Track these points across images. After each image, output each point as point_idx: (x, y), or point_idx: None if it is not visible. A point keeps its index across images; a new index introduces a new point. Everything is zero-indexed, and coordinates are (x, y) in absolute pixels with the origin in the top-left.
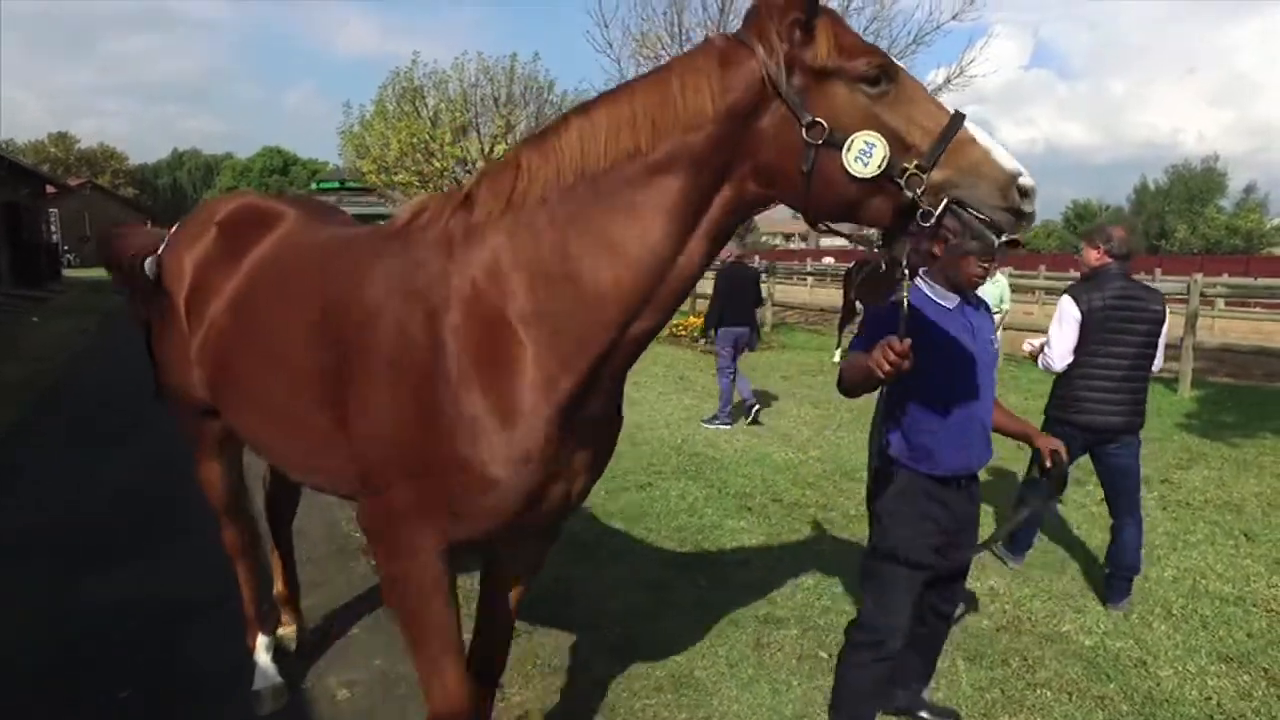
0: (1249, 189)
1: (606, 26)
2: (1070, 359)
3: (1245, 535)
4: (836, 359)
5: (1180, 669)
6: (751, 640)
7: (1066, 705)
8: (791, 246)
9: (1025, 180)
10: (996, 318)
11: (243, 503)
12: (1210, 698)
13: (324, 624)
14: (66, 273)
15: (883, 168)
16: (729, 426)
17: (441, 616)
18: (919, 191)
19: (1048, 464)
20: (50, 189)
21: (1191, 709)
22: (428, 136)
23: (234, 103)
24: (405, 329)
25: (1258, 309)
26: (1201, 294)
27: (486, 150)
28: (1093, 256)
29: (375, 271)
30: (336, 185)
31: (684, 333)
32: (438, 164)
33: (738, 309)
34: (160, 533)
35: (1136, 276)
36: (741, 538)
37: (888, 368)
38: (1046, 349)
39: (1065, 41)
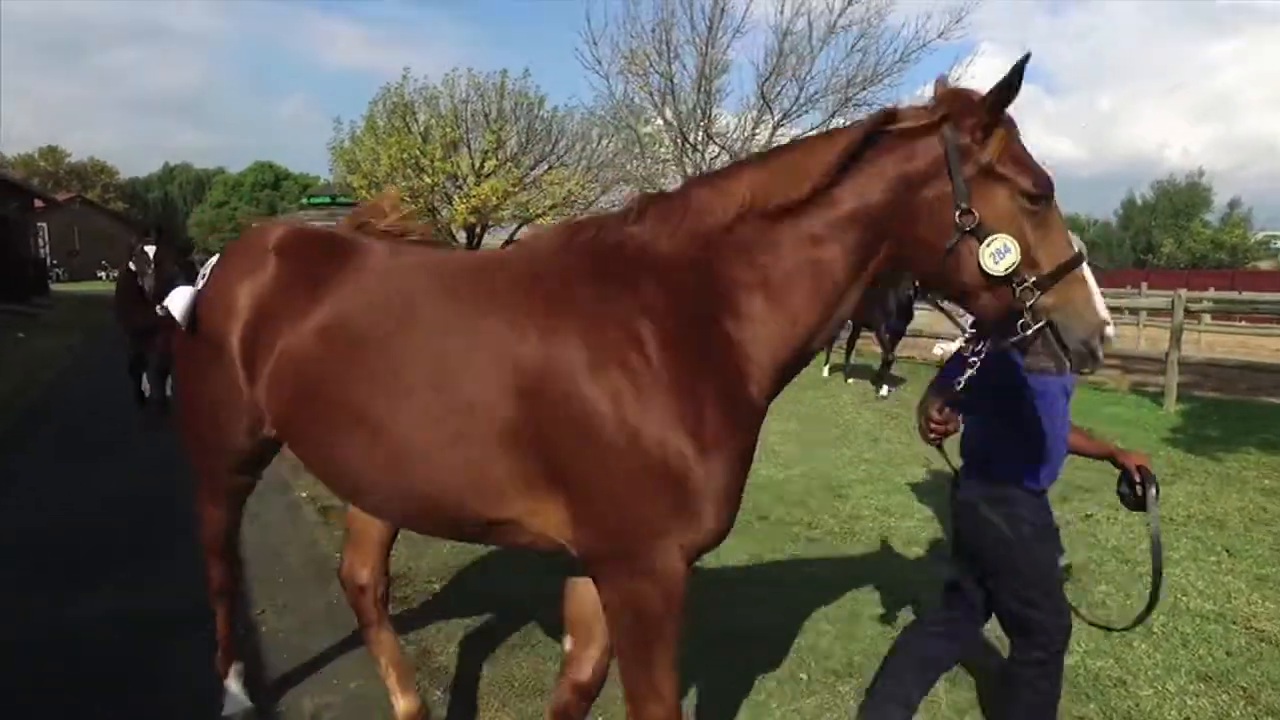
0: (1233, 204)
1: (595, 44)
2: None
3: (1227, 551)
4: (825, 374)
5: (1160, 688)
6: (730, 660)
7: None
8: None
9: (1110, 330)
10: None
11: (234, 543)
12: (1189, 718)
13: (299, 646)
14: (55, 287)
15: (1008, 271)
16: None
17: (675, 635)
18: (1027, 304)
19: (1137, 479)
20: (39, 203)
21: None
22: (418, 152)
23: (225, 116)
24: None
25: (1243, 323)
26: (1186, 308)
27: (477, 165)
28: None
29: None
30: (327, 200)
31: None
32: (428, 179)
33: None
34: (159, 535)
35: (1125, 290)
36: (724, 556)
37: (932, 436)
38: None
39: (1052, 59)
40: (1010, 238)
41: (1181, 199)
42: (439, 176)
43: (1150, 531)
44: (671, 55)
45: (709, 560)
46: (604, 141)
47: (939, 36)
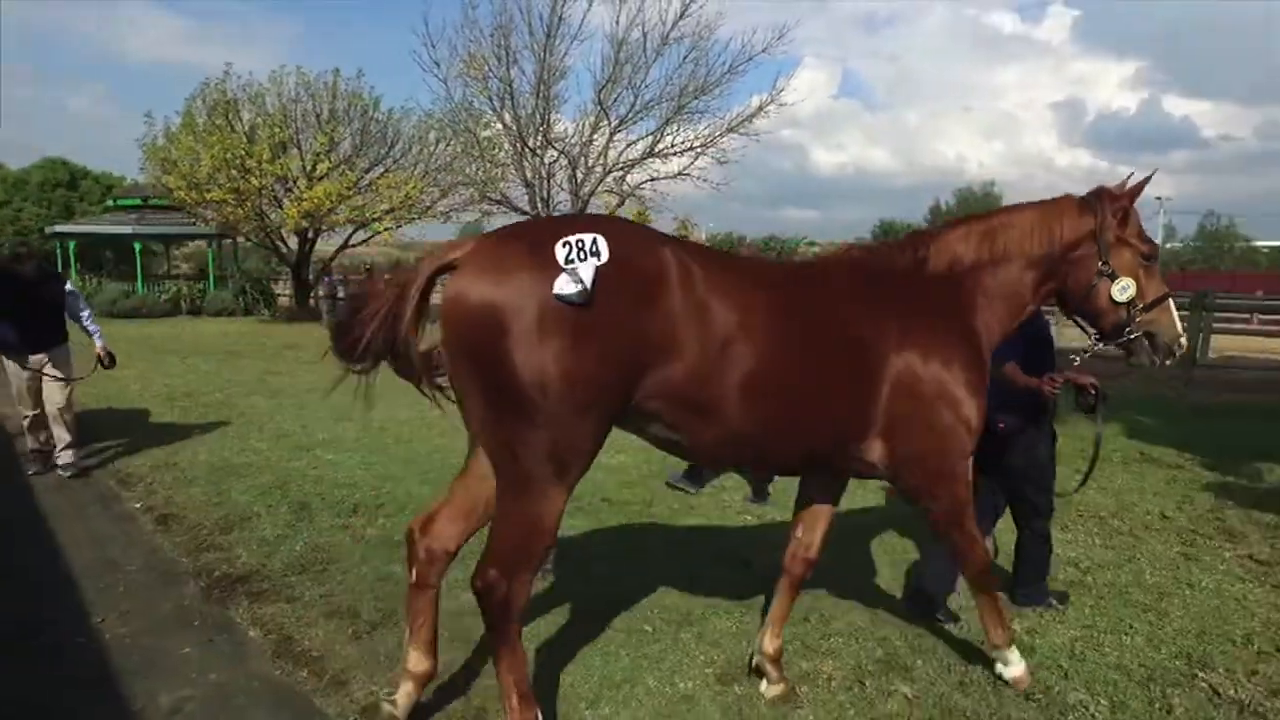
0: None
1: (434, 46)
2: None
3: None
4: None
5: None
6: (582, 620)
7: (854, 647)
8: None
9: (1183, 340)
10: None
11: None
12: (967, 629)
13: (151, 647)
14: None
15: (1126, 300)
16: None
17: (971, 507)
18: (1134, 321)
19: (1093, 392)
20: None
21: (949, 638)
22: (244, 152)
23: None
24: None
25: None
26: None
27: (309, 168)
28: None
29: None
30: (138, 202)
31: None
32: (255, 181)
33: None
34: None
35: None
36: (571, 535)
37: (1053, 390)
38: None
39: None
40: (1131, 280)
41: (979, 206)
42: (267, 178)
43: (1097, 427)
44: (510, 60)
45: (561, 540)
46: (441, 145)
47: (763, 51)
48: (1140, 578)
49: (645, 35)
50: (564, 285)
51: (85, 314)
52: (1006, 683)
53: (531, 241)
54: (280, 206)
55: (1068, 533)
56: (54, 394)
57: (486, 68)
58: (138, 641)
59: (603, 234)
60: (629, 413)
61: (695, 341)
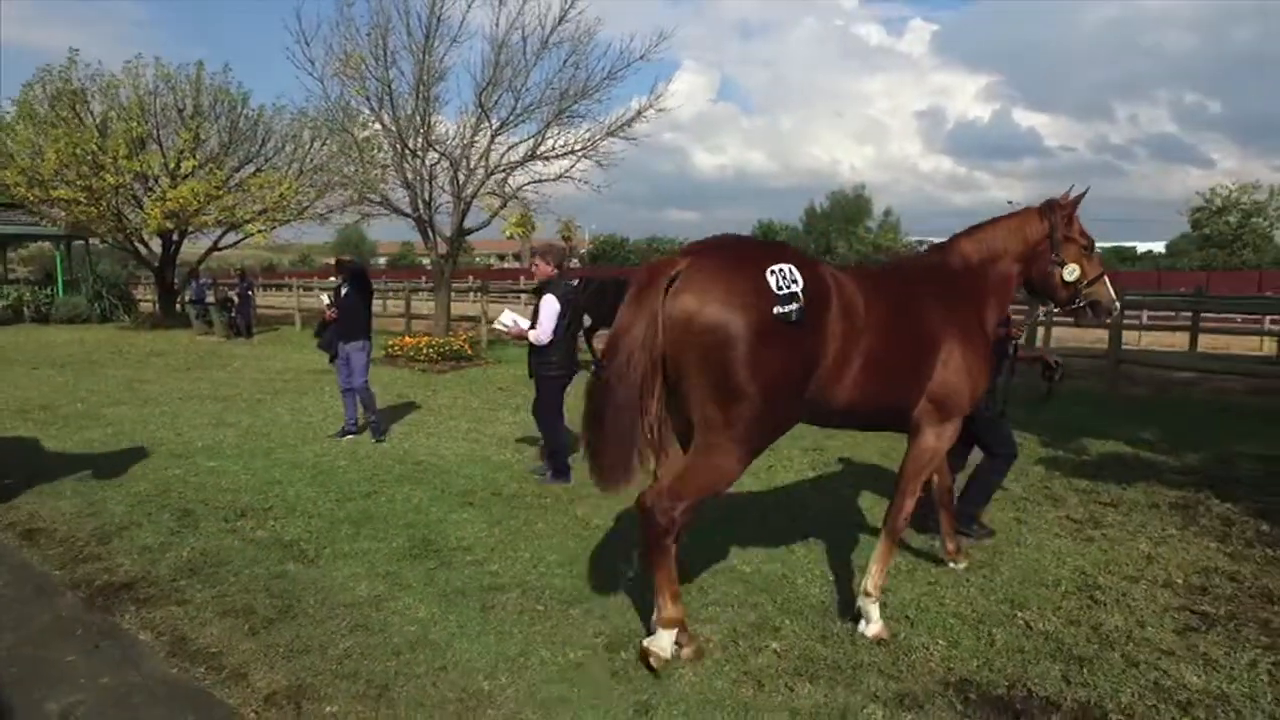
0: (887, 213)
1: (308, 44)
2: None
3: (865, 484)
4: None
5: (810, 576)
6: (478, 605)
7: (730, 613)
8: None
9: (1117, 304)
10: None
11: None
12: (828, 592)
13: (32, 658)
14: None
15: (1074, 280)
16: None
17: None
18: (1081, 294)
19: (1054, 362)
20: None
21: (813, 601)
22: (95, 147)
23: None
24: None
25: None
26: None
27: (171, 165)
28: (547, 270)
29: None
30: None
31: (399, 353)
32: (111, 179)
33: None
34: None
35: None
36: (465, 528)
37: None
38: (538, 329)
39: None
40: (1077, 266)
41: (850, 208)
42: (124, 176)
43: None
44: (389, 60)
45: (454, 533)
46: (317, 144)
47: (641, 58)
48: (979, 541)
49: (525, 39)
50: (782, 308)
51: None
52: (865, 637)
53: (748, 270)
54: (140, 206)
55: None
56: None
57: (364, 67)
58: (16, 653)
59: (792, 263)
60: None
61: (841, 337)
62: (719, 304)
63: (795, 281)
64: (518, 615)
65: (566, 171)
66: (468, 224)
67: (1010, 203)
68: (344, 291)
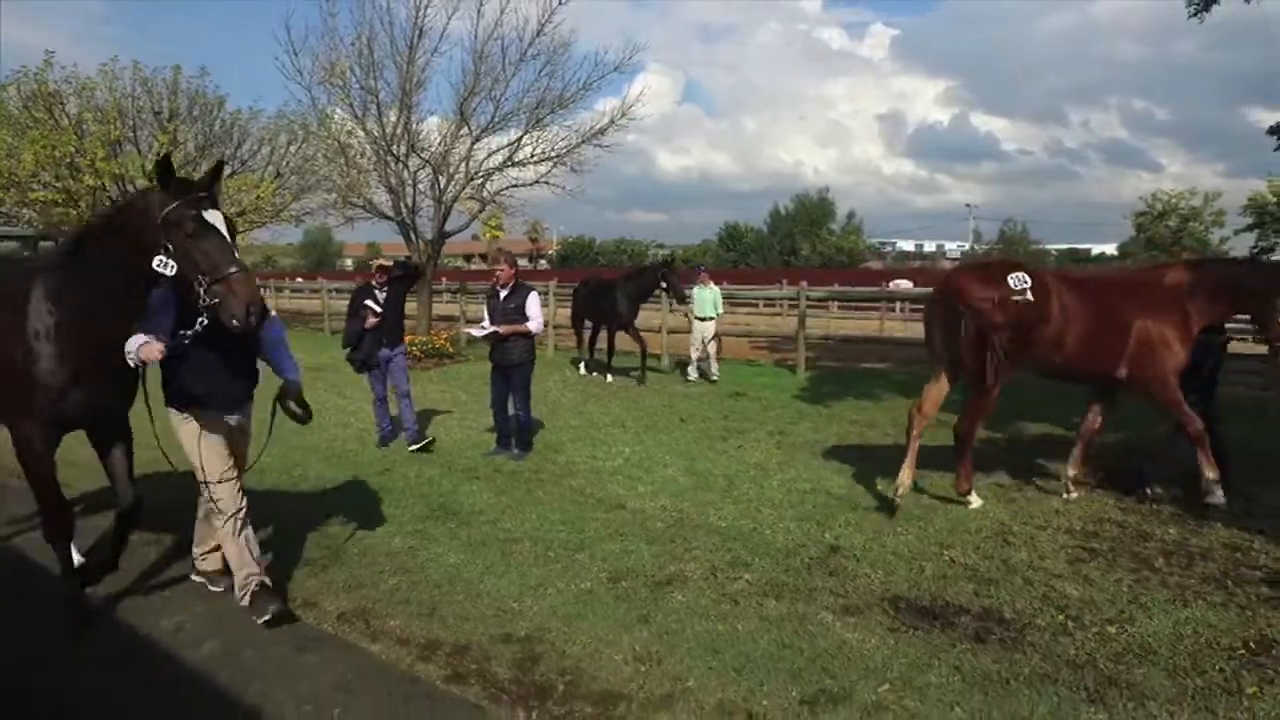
0: (851, 215)
1: (297, 54)
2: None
3: (824, 459)
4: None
5: (775, 528)
6: (498, 552)
7: (709, 555)
8: (473, 268)
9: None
10: (713, 321)
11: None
12: (791, 539)
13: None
14: None
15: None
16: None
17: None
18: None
19: None
20: None
21: (778, 546)
22: (73, 149)
23: None
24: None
25: (857, 310)
26: (807, 297)
27: (149, 168)
28: (511, 271)
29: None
30: None
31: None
32: (89, 180)
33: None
34: None
35: (773, 286)
36: (476, 497)
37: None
38: (535, 321)
39: (710, 82)
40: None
41: (815, 210)
42: (103, 179)
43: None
44: (376, 71)
45: (466, 501)
46: (293, 147)
47: (615, 70)
48: (919, 501)
49: (504, 50)
50: (1016, 288)
51: None
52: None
53: (997, 273)
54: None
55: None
56: None
57: (350, 76)
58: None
59: (1022, 270)
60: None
61: (1059, 319)
62: (982, 288)
63: (1026, 281)
64: (533, 559)
65: (544, 176)
66: (448, 227)
67: (968, 206)
68: (383, 297)
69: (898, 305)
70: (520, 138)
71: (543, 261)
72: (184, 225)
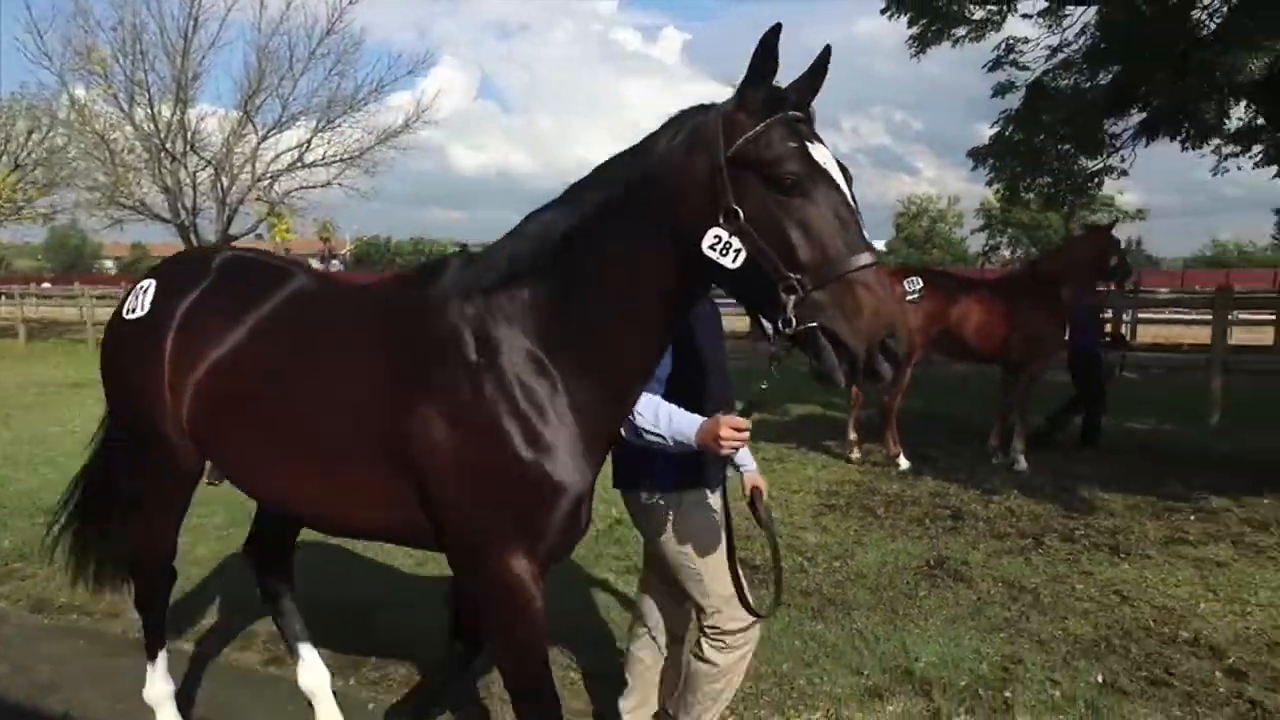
0: None
1: (42, 36)
2: None
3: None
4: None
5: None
6: None
7: None
8: None
9: None
10: None
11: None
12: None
13: None
14: None
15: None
16: None
17: None
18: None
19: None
20: None
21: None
22: None
23: None
24: None
25: None
26: None
27: None
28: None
29: None
30: None
31: None
32: None
33: None
34: None
35: None
36: None
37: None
38: None
39: (504, 79)
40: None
41: None
42: None
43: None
44: (143, 62)
45: None
46: (35, 135)
47: (408, 73)
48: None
49: (291, 48)
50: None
51: None
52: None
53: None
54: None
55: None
56: None
57: (114, 65)
58: None
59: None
60: None
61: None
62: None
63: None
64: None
65: (336, 178)
66: (232, 230)
67: None
68: None
69: None
70: (310, 139)
71: (335, 262)
72: (779, 167)
